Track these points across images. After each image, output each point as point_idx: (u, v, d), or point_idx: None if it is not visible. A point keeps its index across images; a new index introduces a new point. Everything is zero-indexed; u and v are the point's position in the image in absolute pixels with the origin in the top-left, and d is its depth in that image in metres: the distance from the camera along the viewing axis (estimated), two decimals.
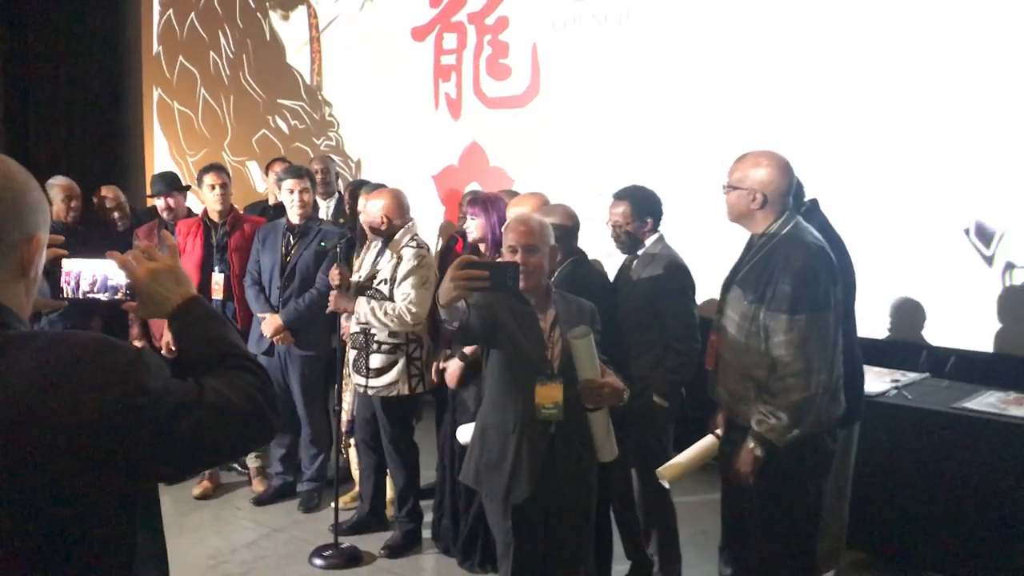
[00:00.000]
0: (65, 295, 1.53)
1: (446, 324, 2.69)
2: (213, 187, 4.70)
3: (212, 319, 1.51)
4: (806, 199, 3.35)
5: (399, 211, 4.04)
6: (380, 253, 4.07)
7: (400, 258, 3.98)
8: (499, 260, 3.04)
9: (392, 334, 3.98)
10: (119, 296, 1.53)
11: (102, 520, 1.22)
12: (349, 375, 4.22)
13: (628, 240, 3.59)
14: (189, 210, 5.27)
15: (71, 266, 1.53)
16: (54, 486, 1.17)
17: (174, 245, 1.58)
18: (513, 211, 3.54)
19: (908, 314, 4.43)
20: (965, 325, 4.27)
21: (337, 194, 5.50)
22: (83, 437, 1.17)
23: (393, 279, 3.96)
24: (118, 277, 1.53)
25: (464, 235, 4.60)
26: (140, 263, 1.49)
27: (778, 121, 4.69)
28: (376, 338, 4.00)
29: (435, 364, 4.02)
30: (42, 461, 1.15)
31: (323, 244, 4.24)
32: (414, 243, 4.03)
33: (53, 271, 1.50)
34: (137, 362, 1.24)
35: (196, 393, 1.29)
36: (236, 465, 5.14)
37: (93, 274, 1.53)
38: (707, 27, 5.05)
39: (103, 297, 1.53)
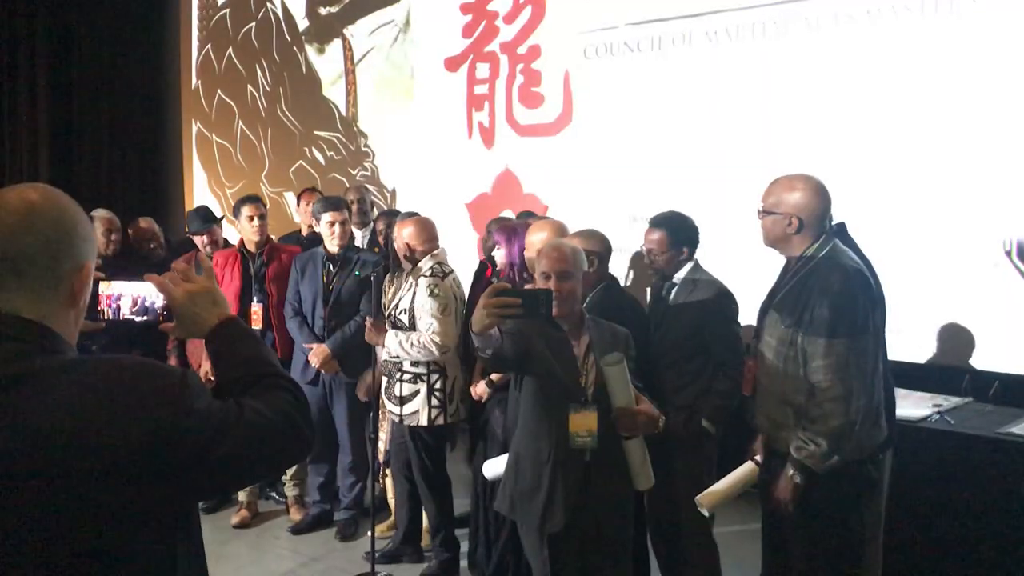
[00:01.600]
0: (104, 317, 1.56)
1: (479, 352, 2.69)
2: (251, 218, 4.75)
3: (248, 339, 1.54)
4: (834, 223, 3.31)
5: (422, 238, 4.06)
6: (406, 281, 4.09)
7: (421, 286, 4.00)
8: (531, 287, 3.03)
9: (415, 363, 3.98)
10: (157, 318, 1.55)
11: (145, 541, 1.24)
12: (384, 404, 4.23)
13: (664, 267, 3.57)
14: (226, 240, 5.35)
15: (109, 289, 1.56)
16: (100, 507, 1.19)
17: (210, 267, 1.61)
18: (533, 238, 3.53)
19: (950, 338, 4.35)
20: (1009, 348, 4.19)
21: (372, 224, 5.54)
22: (130, 458, 1.20)
23: (411, 308, 3.98)
24: (156, 299, 1.55)
25: (493, 261, 4.62)
26: (177, 285, 1.52)
27: (813, 144, 4.67)
28: (402, 367, 4.01)
29: (472, 388, 3.99)
30: (90, 482, 1.18)
31: (357, 273, 4.27)
32: (430, 271, 4.03)
33: (93, 293, 1.53)
34: (182, 384, 1.27)
35: (237, 413, 1.32)
36: (274, 494, 5.16)
37: (131, 296, 1.56)
38: (740, 53, 5.05)
39: (141, 319, 1.55)
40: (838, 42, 4.67)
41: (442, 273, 4.06)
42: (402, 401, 4.02)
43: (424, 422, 4.00)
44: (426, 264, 4.06)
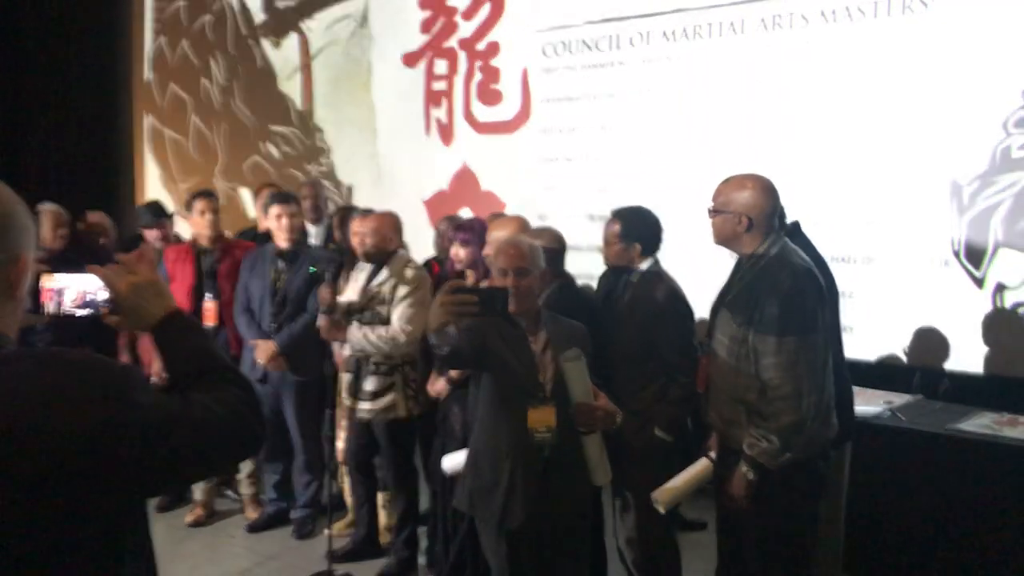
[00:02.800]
0: (46, 311, 1.52)
1: (436, 350, 2.68)
2: (203, 213, 4.68)
3: (195, 332, 1.52)
4: (788, 221, 3.35)
5: (396, 233, 4.05)
6: (373, 276, 4.05)
7: (401, 280, 3.98)
8: (488, 285, 3.03)
9: (388, 356, 3.97)
10: (100, 311, 1.52)
11: (88, 538, 1.22)
12: (341, 402, 4.20)
13: (615, 261, 3.50)
14: (178, 236, 5.28)
15: (52, 282, 1.52)
16: (40, 504, 1.17)
17: (151, 259, 1.59)
18: (494, 235, 3.53)
19: (901, 336, 4.44)
20: (957, 347, 4.29)
21: (327, 219, 5.50)
22: (71, 454, 1.18)
23: (392, 300, 3.97)
24: (100, 292, 1.52)
25: (441, 260, 4.62)
26: (121, 277, 1.50)
27: (768, 143, 4.74)
28: (372, 360, 3.98)
29: (429, 386, 3.97)
30: (31, 477, 1.16)
31: (313, 269, 4.23)
32: (410, 263, 4.06)
33: (34, 287, 1.49)
34: (125, 379, 1.26)
35: (183, 407, 1.31)
36: (230, 492, 5.11)
37: (74, 289, 1.52)
38: (698, 52, 5.10)
39: (85, 312, 1.52)
40: (793, 43, 4.74)
41: (416, 266, 4.10)
42: (374, 396, 3.99)
43: (403, 414, 4.00)
44: (402, 259, 4.05)
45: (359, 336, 3.90)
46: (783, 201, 3.10)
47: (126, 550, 1.30)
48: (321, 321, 3.94)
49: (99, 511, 1.23)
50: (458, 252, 3.95)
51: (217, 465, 1.47)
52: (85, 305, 1.52)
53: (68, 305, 1.52)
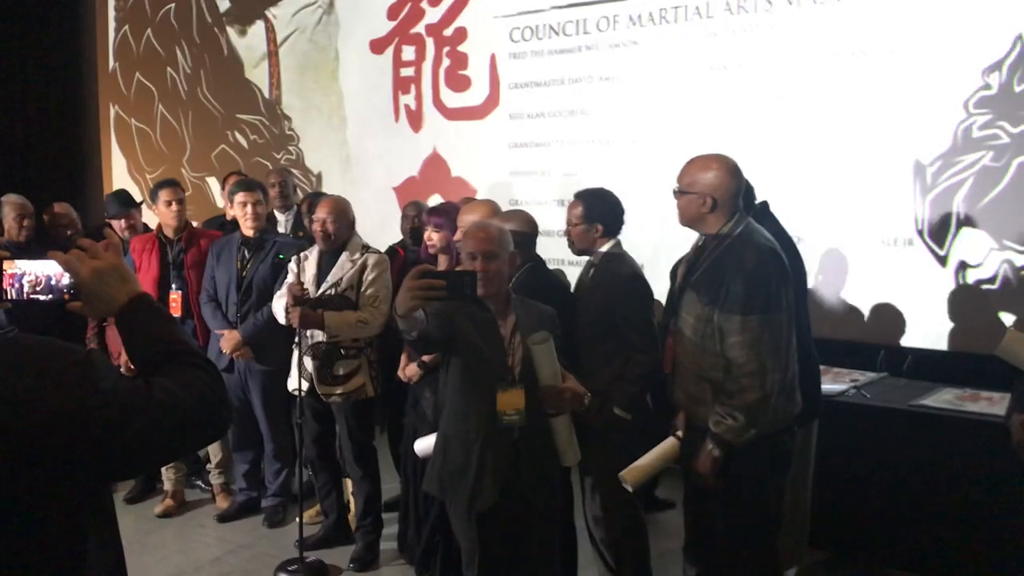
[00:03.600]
0: (8, 297, 1.50)
1: (405, 334, 2.68)
2: (169, 203, 4.64)
3: (159, 316, 1.51)
4: (757, 201, 3.38)
5: (349, 219, 4.06)
6: (332, 261, 4.02)
7: (366, 264, 3.97)
8: (457, 268, 3.03)
9: (355, 339, 3.97)
10: (62, 296, 1.50)
11: (51, 526, 1.22)
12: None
13: (577, 243, 3.51)
14: (146, 226, 5.23)
15: (13, 268, 1.50)
16: (2, 486, 1.16)
17: (116, 243, 1.57)
18: (465, 219, 3.53)
19: (865, 315, 4.49)
20: (921, 325, 4.35)
21: (295, 207, 5.47)
22: (33, 439, 1.17)
23: (359, 284, 3.96)
24: (63, 278, 1.50)
25: (405, 245, 4.62)
26: (84, 262, 1.48)
27: (733, 124, 4.76)
28: (341, 345, 3.97)
29: (400, 370, 3.96)
30: None
31: (281, 256, 4.20)
32: (368, 248, 4.07)
33: None
34: (86, 363, 1.24)
35: (146, 393, 1.30)
36: (200, 482, 5.09)
37: (36, 275, 1.50)
38: (663, 36, 5.11)
39: (46, 298, 1.50)
40: (758, 26, 4.77)
41: (375, 249, 4.11)
42: (345, 379, 3.99)
43: (371, 393, 4.05)
44: (359, 242, 4.06)
45: (337, 323, 3.88)
46: (752, 181, 3.15)
47: (90, 540, 1.29)
48: (292, 312, 3.88)
49: (61, 497, 1.22)
50: (431, 236, 3.94)
51: (181, 449, 1.45)
52: (48, 291, 1.50)
53: (29, 290, 1.51)
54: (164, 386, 1.33)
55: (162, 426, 1.30)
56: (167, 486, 4.83)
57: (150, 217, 5.48)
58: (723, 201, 2.75)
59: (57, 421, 1.18)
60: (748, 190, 3.25)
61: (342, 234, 4.00)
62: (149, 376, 1.37)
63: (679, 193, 2.82)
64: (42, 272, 1.51)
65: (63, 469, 1.20)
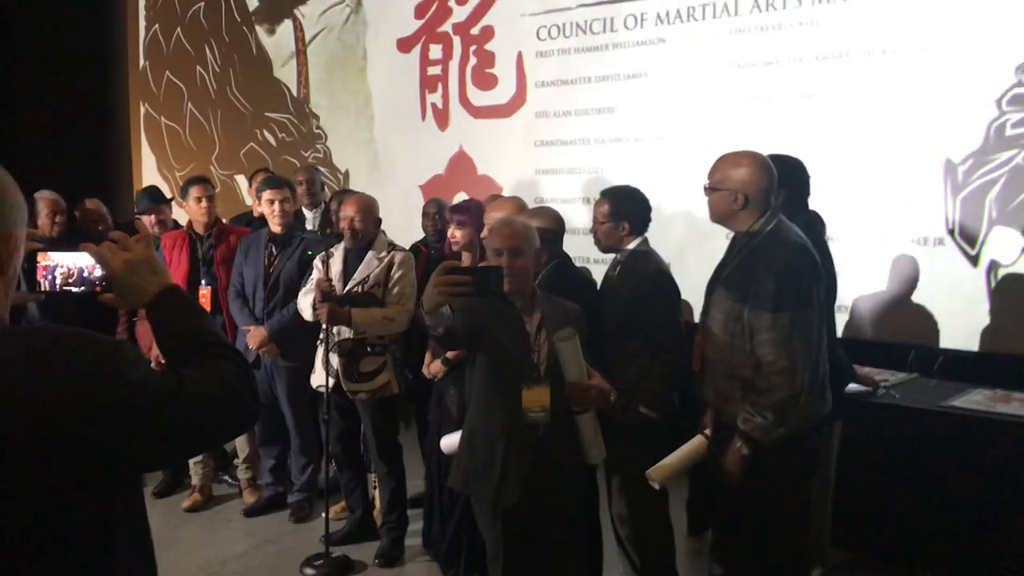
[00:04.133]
0: (42, 288, 1.52)
1: (431, 330, 2.68)
2: (199, 199, 4.68)
3: (189, 308, 1.51)
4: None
5: (376, 216, 4.07)
6: (358, 258, 4.03)
7: (392, 262, 3.99)
8: (482, 265, 3.03)
9: (380, 336, 3.99)
10: (94, 288, 1.52)
11: (80, 512, 1.22)
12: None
13: (604, 240, 3.50)
14: (175, 222, 5.28)
15: (47, 260, 1.52)
16: (32, 475, 1.17)
17: (148, 235, 1.58)
18: (492, 216, 3.53)
19: (896, 315, 4.44)
20: (952, 325, 4.30)
21: (323, 204, 5.50)
22: (63, 427, 1.17)
23: (386, 282, 3.97)
24: (95, 270, 1.51)
25: (428, 243, 4.63)
26: (115, 254, 1.49)
27: (765, 124, 4.73)
28: (367, 342, 3.99)
29: (425, 367, 3.96)
30: (22, 450, 1.16)
31: (309, 253, 4.22)
32: (394, 246, 4.08)
33: (30, 266, 1.49)
34: (116, 354, 1.25)
35: (175, 384, 1.30)
36: (227, 477, 5.12)
37: (69, 267, 1.52)
38: (691, 31, 5.08)
39: (78, 289, 1.52)
40: (786, 23, 4.73)
41: (401, 247, 4.13)
42: (371, 376, 4.00)
43: (396, 391, 4.06)
44: (385, 239, 4.07)
45: (365, 320, 3.90)
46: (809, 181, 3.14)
47: (119, 529, 1.29)
48: (320, 308, 3.89)
49: (91, 486, 1.22)
50: (454, 234, 3.96)
51: (211, 440, 1.46)
52: (80, 283, 1.52)
53: (62, 282, 1.52)
54: (194, 377, 1.33)
55: (191, 416, 1.30)
56: (195, 480, 4.87)
57: (180, 215, 5.53)
58: (754, 198, 2.72)
59: (87, 410, 1.19)
60: (803, 187, 3.25)
61: (369, 232, 4.02)
62: (179, 367, 1.37)
63: (710, 189, 2.80)
64: (74, 264, 1.52)
65: (93, 458, 1.20)
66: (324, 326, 3.95)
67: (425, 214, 4.85)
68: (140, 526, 1.39)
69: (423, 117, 6.40)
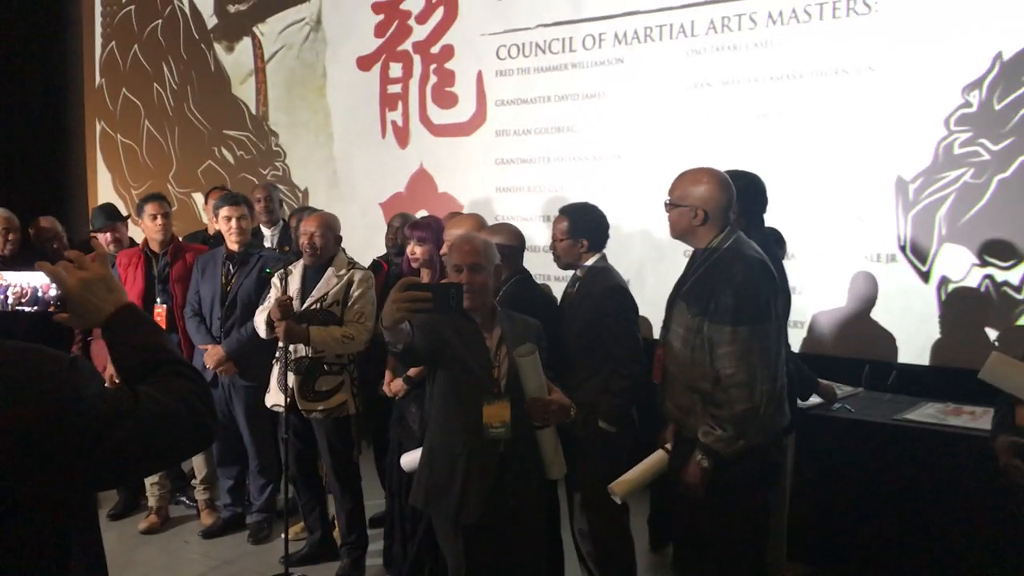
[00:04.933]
0: None
1: (390, 347, 2.68)
2: (154, 217, 4.62)
3: (145, 326, 1.50)
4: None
5: (336, 234, 4.06)
6: (317, 276, 4.00)
7: (352, 280, 3.96)
8: (442, 281, 3.04)
9: (338, 355, 3.96)
10: (48, 307, 1.50)
11: (33, 531, 1.20)
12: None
13: (563, 257, 3.55)
14: (132, 240, 5.22)
15: (0, 279, 1.50)
16: None
17: (104, 254, 1.56)
18: (451, 233, 3.54)
19: (853, 330, 4.52)
20: (905, 340, 4.38)
21: (281, 222, 5.47)
22: (16, 443, 1.16)
23: (345, 300, 3.94)
24: (50, 290, 1.49)
25: (389, 259, 4.62)
26: (71, 272, 1.47)
27: (718, 141, 4.80)
28: (325, 360, 3.96)
29: (386, 385, 3.94)
30: None
31: (267, 271, 4.18)
32: (354, 264, 4.06)
33: None
34: (70, 369, 1.24)
35: (131, 401, 1.29)
36: (184, 499, 5.05)
37: (22, 286, 1.50)
38: (649, 52, 5.15)
39: (32, 309, 1.49)
40: (742, 44, 4.81)
41: (361, 265, 4.11)
42: (327, 395, 3.97)
43: (353, 411, 4.02)
44: (344, 258, 4.06)
45: (324, 338, 3.87)
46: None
47: (73, 552, 1.27)
48: (279, 326, 3.85)
49: (44, 505, 1.21)
50: (414, 250, 3.95)
51: (167, 458, 1.44)
52: (33, 302, 1.50)
53: (15, 301, 1.50)
54: (150, 395, 1.32)
55: (147, 434, 1.29)
56: (151, 502, 4.79)
57: (137, 233, 5.46)
58: (714, 214, 2.76)
59: (40, 426, 1.17)
60: (761, 202, 3.30)
61: (329, 248, 4.00)
62: (134, 385, 1.36)
63: (670, 206, 2.84)
64: (28, 283, 1.50)
65: (46, 475, 1.18)
66: (281, 344, 3.91)
67: (389, 227, 4.85)
68: (94, 548, 1.37)
69: (383, 135, 6.40)
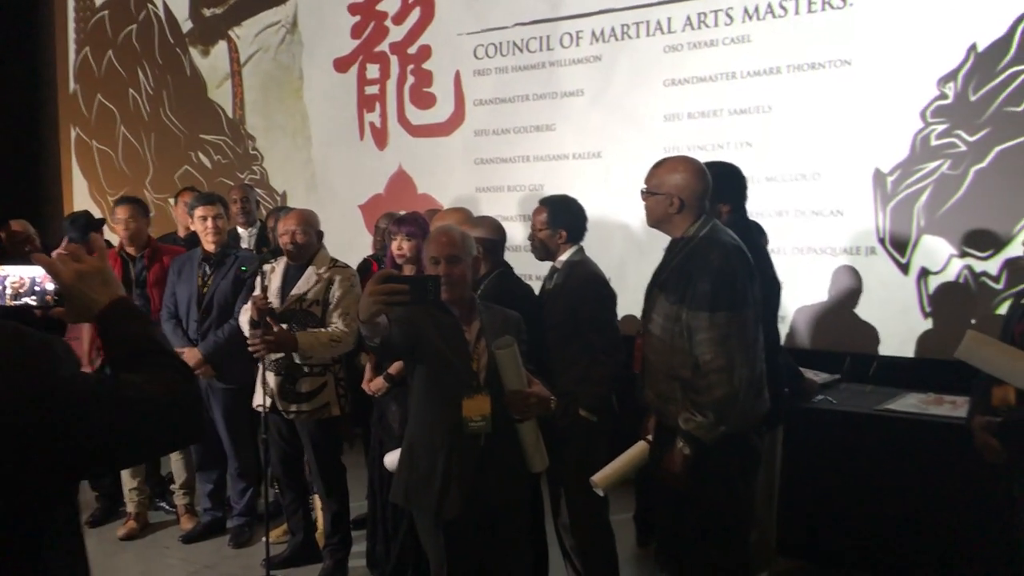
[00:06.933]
0: None
1: (368, 341, 2.65)
2: (124, 221, 4.59)
3: (137, 318, 1.48)
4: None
5: (317, 230, 4.01)
6: (299, 274, 3.95)
7: (332, 279, 3.92)
8: (419, 274, 3.01)
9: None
10: (47, 300, 1.48)
11: (11, 527, 1.18)
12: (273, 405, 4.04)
13: (542, 248, 3.57)
14: (109, 243, 5.16)
15: None
16: None
17: (102, 247, 1.54)
18: (437, 226, 3.52)
19: (831, 323, 4.52)
20: (886, 331, 4.39)
21: (259, 223, 5.43)
22: None
23: (326, 301, 3.90)
24: (46, 283, 1.48)
25: (379, 259, 4.58)
26: (67, 265, 1.46)
27: (697, 136, 4.80)
28: (308, 362, 3.90)
29: (365, 384, 3.90)
30: None
31: (244, 269, 4.14)
32: (336, 262, 3.99)
33: None
34: (45, 350, 1.22)
35: (110, 385, 1.27)
36: (163, 504, 4.99)
37: (18, 279, 1.48)
38: (627, 48, 5.15)
39: (29, 302, 1.48)
40: (720, 40, 4.82)
41: (344, 263, 4.04)
42: (309, 396, 3.91)
43: (337, 412, 3.96)
44: (326, 257, 3.99)
45: (311, 343, 3.80)
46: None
47: (46, 541, 1.25)
48: (265, 339, 3.71)
49: (21, 492, 1.18)
50: (402, 245, 3.86)
51: (150, 447, 1.42)
52: (30, 295, 1.48)
53: (11, 294, 1.48)
54: (132, 381, 1.30)
55: (127, 420, 1.27)
56: (130, 508, 4.72)
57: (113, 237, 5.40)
58: (690, 202, 2.76)
59: (14, 405, 1.15)
60: (742, 189, 3.30)
61: (311, 245, 3.95)
62: (118, 372, 1.34)
63: (647, 194, 2.84)
64: (25, 276, 1.49)
65: (22, 458, 1.16)
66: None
67: (377, 228, 4.81)
68: (78, 551, 1.35)
69: (361, 137, 6.37)
